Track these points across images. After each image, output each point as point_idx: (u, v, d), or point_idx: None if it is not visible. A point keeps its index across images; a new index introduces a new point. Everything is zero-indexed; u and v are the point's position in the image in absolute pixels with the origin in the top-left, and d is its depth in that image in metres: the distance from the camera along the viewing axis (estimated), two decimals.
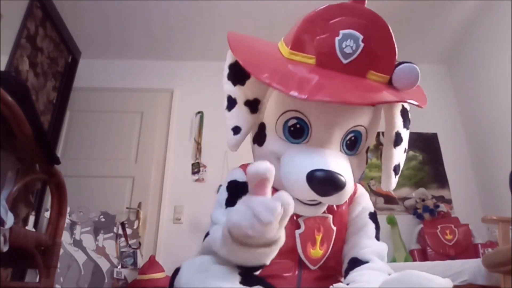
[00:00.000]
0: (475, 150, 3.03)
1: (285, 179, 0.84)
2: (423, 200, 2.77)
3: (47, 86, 2.61)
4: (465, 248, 2.47)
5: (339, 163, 0.82)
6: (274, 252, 0.68)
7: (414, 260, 2.53)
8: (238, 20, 2.88)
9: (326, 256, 0.92)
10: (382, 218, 2.73)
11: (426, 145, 3.12)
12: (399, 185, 3.30)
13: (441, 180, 3.01)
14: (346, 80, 0.80)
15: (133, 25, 2.98)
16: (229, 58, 0.92)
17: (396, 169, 0.94)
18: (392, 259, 2.54)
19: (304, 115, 0.86)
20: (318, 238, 0.90)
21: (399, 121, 0.93)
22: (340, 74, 0.81)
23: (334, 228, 0.93)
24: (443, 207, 2.70)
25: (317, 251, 0.90)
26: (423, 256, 2.54)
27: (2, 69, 2.04)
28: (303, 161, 0.81)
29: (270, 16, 2.78)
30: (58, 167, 1.39)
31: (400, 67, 0.83)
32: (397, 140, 0.93)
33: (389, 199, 2.93)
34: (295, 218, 0.90)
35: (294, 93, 0.74)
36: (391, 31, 0.85)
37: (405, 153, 0.97)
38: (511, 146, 2.49)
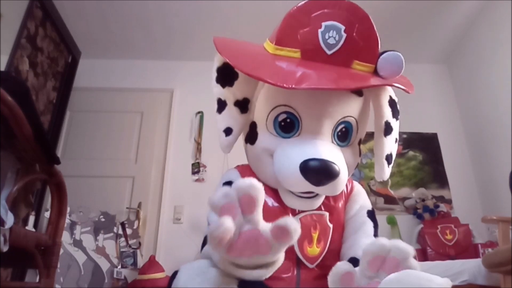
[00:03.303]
0: (475, 150, 3.02)
1: (278, 173, 0.84)
2: (423, 200, 2.76)
3: (47, 86, 2.61)
4: (465, 248, 2.47)
5: (331, 152, 0.82)
6: (271, 272, 0.68)
7: None
8: (238, 20, 2.89)
9: (324, 254, 0.91)
10: (382, 218, 2.74)
11: (426, 145, 3.12)
12: (399, 185, 3.31)
13: (441, 180, 3.01)
14: (332, 70, 0.82)
15: (133, 25, 2.98)
16: (217, 62, 0.93)
17: (388, 158, 0.94)
18: None
19: (293, 109, 0.87)
20: (315, 235, 0.89)
21: (387, 110, 0.93)
22: (325, 65, 0.83)
23: (331, 226, 0.92)
24: (443, 207, 2.70)
25: (314, 249, 0.89)
26: (423, 256, 2.54)
27: (2, 69, 2.04)
28: (295, 152, 0.82)
29: (271, 16, 2.77)
30: (58, 167, 1.39)
31: (384, 56, 0.85)
32: (387, 129, 0.93)
33: (389, 199, 2.93)
34: (290, 216, 0.89)
35: (281, 83, 0.75)
36: (372, 21, 0.86)
37: (397, 143, 0.97)
38: (511, 146, 2.49)
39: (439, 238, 2.52)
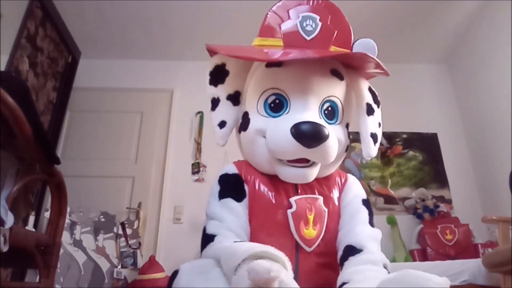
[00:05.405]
0: (475, 150, 3.02)
1: (271, 143, 0.90)
2: (423, 200, 2.76)
3: (47, 86, 2.61)
4: (465, 248, 2.47)
5: (320, 120, 0.90)
6: None
7: (414, 260, 2.53)
8: (238, 20, 2.88)
9: (321, 237, 0.93)
10: (382, 218, 2.74)
11: (426, 145, 3.12)
12: (399, 185, 3.30)
13: (441, 180, 3.01)
14: (311, 51, 0.94)
15: (133, 25, 2.98)
16: (209, 67, 1.01)
17: (373, 136, 0.99)
18: (392, 259, 2.54)
19: (281, 90, 0.95)
20: (311, 217, 0.92)
21: (368, 95, 1.01)
22: (306, 49, 0.94)
23: (326, 210, 0.95)
24: (443, 207, 2.70)
25: (311, 231, 0.91)
26: (423, 256, 2.54)
27: (2, 69, 2.04)
28: (286, 122, 0.88)
29: None
30: (58, 167, 1.39)
31: (358, 41, 0.98)
32: (369, 110, 1.00)
33: (389, 199, 2.93)
34: (286, 198, 0.93)
35: (269, 58, 0.91)
36: (342, 13, 1.01)
37: (381, 128, 1.03)
38: (511, 146, 2.49)
39: (439, 238, 2.52)
